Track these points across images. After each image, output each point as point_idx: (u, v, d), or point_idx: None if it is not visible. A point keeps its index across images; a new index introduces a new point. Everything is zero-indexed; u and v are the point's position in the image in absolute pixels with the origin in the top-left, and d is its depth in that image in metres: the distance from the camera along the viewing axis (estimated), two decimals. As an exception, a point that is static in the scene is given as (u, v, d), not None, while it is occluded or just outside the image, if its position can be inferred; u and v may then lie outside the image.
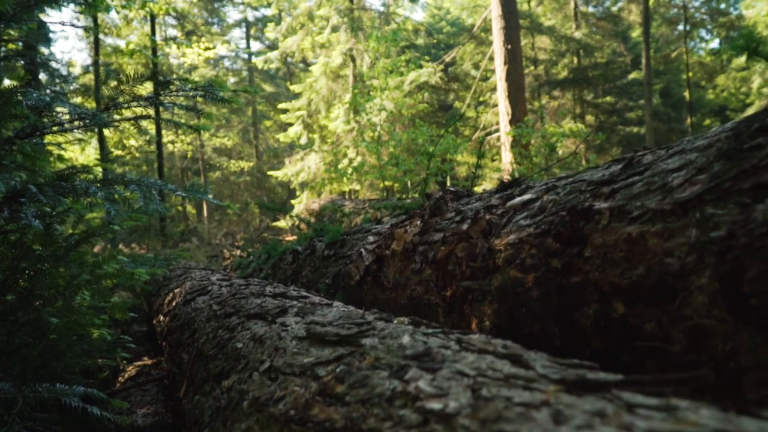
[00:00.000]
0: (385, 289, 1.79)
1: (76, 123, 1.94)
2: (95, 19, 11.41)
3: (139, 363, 3.78)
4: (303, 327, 1.22)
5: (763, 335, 0.65)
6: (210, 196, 1.78)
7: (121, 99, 2.10)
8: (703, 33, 18.95)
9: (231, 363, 1.36)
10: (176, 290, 3.36)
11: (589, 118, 17.35)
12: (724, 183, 0.76)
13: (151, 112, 2.10)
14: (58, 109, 1.88)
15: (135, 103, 1.98)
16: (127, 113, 2.24)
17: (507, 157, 9.85)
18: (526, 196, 1.27)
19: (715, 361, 0.72)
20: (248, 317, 1.59)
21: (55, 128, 2.07)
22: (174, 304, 3.05)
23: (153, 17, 12.38)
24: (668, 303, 0.80)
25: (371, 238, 2.07)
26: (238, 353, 1.36)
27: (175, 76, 15.17)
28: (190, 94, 1.87)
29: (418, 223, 1.78)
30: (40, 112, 1.83)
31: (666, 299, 0.81)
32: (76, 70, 16.20)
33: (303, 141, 17.51)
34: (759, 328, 0.66)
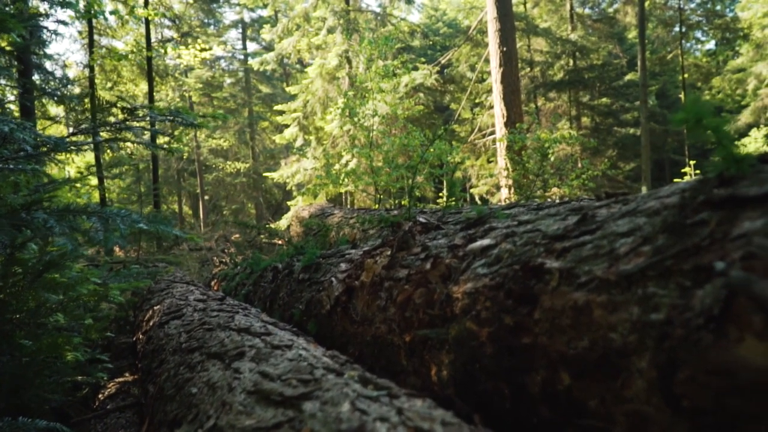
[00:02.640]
0: (353, 322, 1.75)
1: (43, 149, 1.89)
2: (90, 23, 11.34)
3: (121, 379, 3.73)
4: (253, 378, 1.19)
5: (699, 435, 0.62)
6: (175, 230, 1.72)
7: (107, 117, 2.06)
8: (698, 34, 18.93)
9: (184, 410, 1.32)
10: (156, 307, 3.33)
11: (585, 120, 17.32)
12: (666, 260, 0.73)
13: (127, 135, 2.05)
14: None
15: (102, 129, 1.94)
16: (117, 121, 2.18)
17: (502, 161, 9.81)
18: (485, 242, 1.23)
19: (654, 452, 0.68)
20: (209, 356, 1.55)
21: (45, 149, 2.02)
22: (151, 324, 3.01)
23: (147, 20, 12.32)
24: (611, 381, 0.76)
25: (343, 266, 2.02)
26: (191, 400, 1.32)
27: (170, 77, 15.01)
28: (147, 122, 1.82)
29: (388, 253, 1.74)
30: (2, 140, 1.79)
31: (609, 376, 0.77)
32: (73, 71, 16.14)
33: (299, 143, 17.47)
34: (693, 427, 0.62)
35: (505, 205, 3.37)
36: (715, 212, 0.71)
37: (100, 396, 3.53)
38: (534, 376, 0.92)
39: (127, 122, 1.91)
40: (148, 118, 1.89)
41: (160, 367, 1.93)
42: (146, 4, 12.89)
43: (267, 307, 2.84)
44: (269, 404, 1.03)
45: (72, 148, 1.95)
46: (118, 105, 1.80)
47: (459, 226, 1.50)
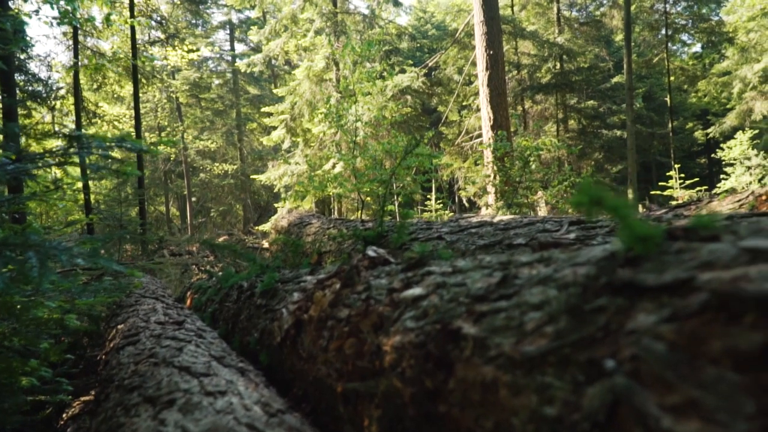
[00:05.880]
0: (300, 358, 1.70)
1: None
2: (75, 29, 11.18)
3: (86, 398, 3.66)
4: (173, 436, 1.14)
5: None
6: (114, 264, 1.67)
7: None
8: (684, 38, 19.03)
9: (107, 464, 1.28)
10: (120, 326, 3.27)
11: (572, 122, 17.37)
12: (565, 347, 0.68)
13: (76, 159, 2.01)
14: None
15: (48, 155, 1.88)
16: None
17: (487, 167, 9.80)
18: (417, 291, 1.19)
19: None
20: (144, 399, 1.50)
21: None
22: (111, 345, 2.96)
23: (132, 24, 12.17)
24: (512, 470, 0.72)
25: (296, 296, 1.97)
26: (115, 454, 1.28)
27: (156, 78, 14.77)
28: (96, 147, 1.77)
29: (337, 286, 1.69)
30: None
31: (511, 465, 0.73)
32: (59, 71, 15.97)
33: (286, 144, 17.39)
34: None
35: (475, 223, 3.33)
36: (614, 298, 0.67)
37: (64, 416, 3.45)
38: (447, 449, 0.88)
39: (71, 149, 1.85)
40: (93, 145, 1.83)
41: (105, 402, 1.87)
42: (132, 5, 12.75)
43: (230, 328, 2.79)
44: (177, 473, 0.98)
45: (15, 174, 1.89)
46: (62, 132, 1.75)
47: (401, 266, 1.45)
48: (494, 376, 0.79)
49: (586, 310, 0.69)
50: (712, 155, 18.90)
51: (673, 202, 11.57)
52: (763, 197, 2.40)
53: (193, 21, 22.06)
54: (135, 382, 1.70)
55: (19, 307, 2.56)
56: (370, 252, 1.71)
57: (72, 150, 1.84)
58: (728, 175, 15.23)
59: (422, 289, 1.18)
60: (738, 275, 0.56)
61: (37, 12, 5.60)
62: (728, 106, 19.12)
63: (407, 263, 1.42)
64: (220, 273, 4.73)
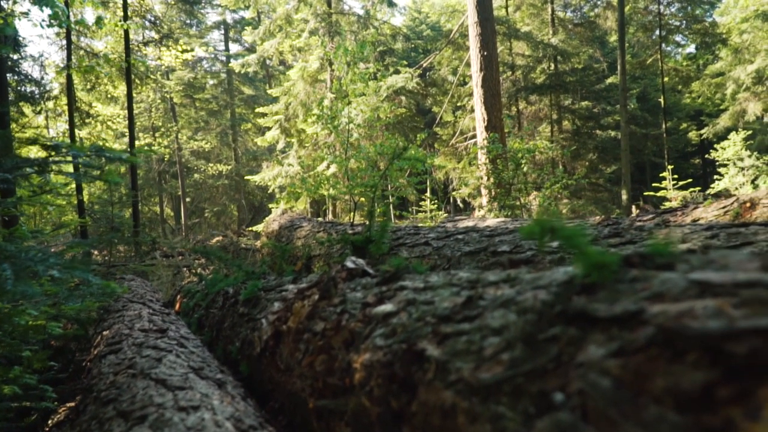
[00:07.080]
0: (278, 370, 1.69)
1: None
2: (68, 30, 11.11)
3: (72, 404, 3.64)
4: (140, 455, 1.13)
5: None
6: (91, 276, 1.66)
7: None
8: (678, 39, 19.08)
9: (77, 482, 1.27)
10: (105, 333, 3.25)
11: (566, 123, 17.39)
12: (518, 377, 0.67)
13: (69, 167, 2.00)
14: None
15: (27, 165, 1.87)
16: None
17: (480, 169, 9.80)
18: (389, 307, 1.18)
19: None
20: (117, 413, 1.48)
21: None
22: (95, 352, 2.94)
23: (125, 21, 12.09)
24: (468, 499, 0.71)
25: (276, 305, 1.96)
26: (85, 472, 1.27)
27: (150, 78, 14.70)
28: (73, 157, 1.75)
29: (315, 298, 1.68)
30: None
31: (467, 494, 0.72)
32: (51, 70, 15.90)
33: (281, 145, 17.36)
34: None
35: (462, 228, 3.33)
36: (567, 328, 0.66)
37: (49, 422, 3.43)
38: (409, 473, 0.87)
39: (50, 159, 1.84)
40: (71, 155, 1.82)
41: (82, 414, 1.86)
42: (125, 5, 12.68)
43: (214, 335, 2.77)
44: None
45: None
46: (40, 141, 1.74)
47: (377, 279, 1.44)
48: (453, 402, 0.78)
49: (540, 339, 0.68)
50: (706, 156, 18.97)
51: (667, 204, 11.61)
52: (747, 204, 2.40)
53: (188, 21, 21.98)
54: (111, 394, 1.69)
55: (6, 311, 2.55)
56: (349, 263, 1.69)
57: (51, 159, 1.83)
58: (722, 175, 15.29)
59: (393, 305, 1.18)
60: (684, 310, 0.55)
61: (26, 14, 5.56)
62: (722, 107, 19.20)
63: (383, 276, 1.42)
64: (210, 276, 4.72)
